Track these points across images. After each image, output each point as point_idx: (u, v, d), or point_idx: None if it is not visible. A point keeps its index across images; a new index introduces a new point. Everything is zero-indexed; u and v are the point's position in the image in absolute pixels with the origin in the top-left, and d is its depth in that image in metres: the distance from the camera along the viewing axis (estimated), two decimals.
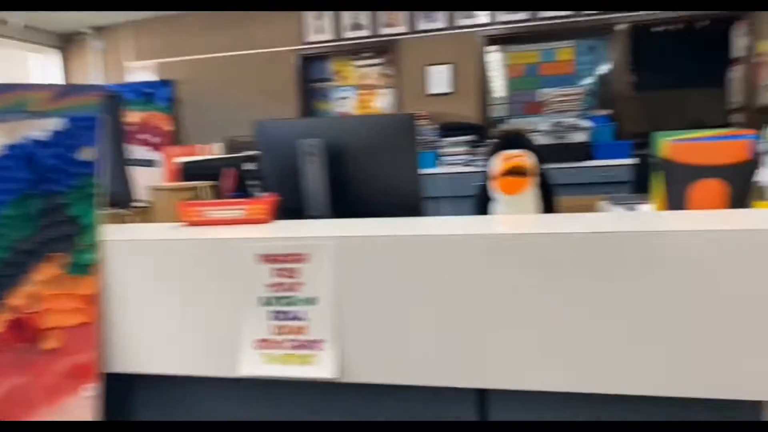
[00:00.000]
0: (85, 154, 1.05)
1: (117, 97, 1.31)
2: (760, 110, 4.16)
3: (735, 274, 0.76)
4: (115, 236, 1.04)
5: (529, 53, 4.82)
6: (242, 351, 0.96)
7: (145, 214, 1.65)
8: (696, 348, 0.78)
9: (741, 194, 1.41)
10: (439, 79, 4.69)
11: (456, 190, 3.85)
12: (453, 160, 4.40)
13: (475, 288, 0.85)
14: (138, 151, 4.80)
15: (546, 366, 0.84)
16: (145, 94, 5.13)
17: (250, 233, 1.00)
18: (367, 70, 5.03)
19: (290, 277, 0.94)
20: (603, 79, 4.75)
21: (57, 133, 1.06)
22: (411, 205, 1.26)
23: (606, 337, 0.81)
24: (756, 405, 0.80)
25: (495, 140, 1.55)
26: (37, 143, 1.07)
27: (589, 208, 2.28)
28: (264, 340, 0.95)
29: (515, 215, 1.36)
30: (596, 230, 0.82)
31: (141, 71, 5.28)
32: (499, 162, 1.41)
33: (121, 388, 1.12)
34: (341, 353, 0.91)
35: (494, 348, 0.86)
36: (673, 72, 5.56)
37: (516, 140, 1.48)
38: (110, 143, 1.29)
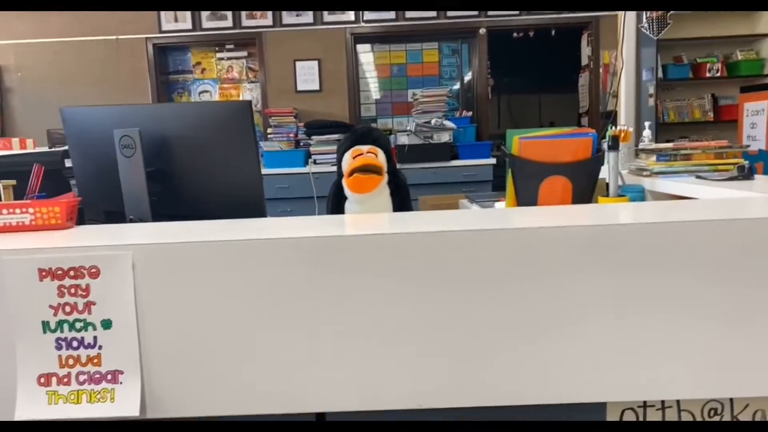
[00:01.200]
0: None
1: None
2: (604, 115, 4.55)
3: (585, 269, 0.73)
4: None
5: (396, 53, 4.85)
6: (22, 390, 0.77)
7: None
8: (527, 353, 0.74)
9: (586, 190, 1.45)
10: (308, 75, 4.55)
11: (326, 189, 3.74)
12: (322, 159, 4.29)
13: (299, 298, 0.75)
14: None
15: (382, 383, 0.75)
16: None
17: (33, 243, 0.81)
18: (231, 63, 4.76)
19: (80, 296, 0.76)
20: (466, 82, 4.92)
21: None
22: (251, 204, 1.12)
23: (445, 347, 0.75)
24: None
25: (347, 136, 1.46)
26: None
27: (452, 206, 2.30)
28: (50, 375, 0.77)
29: (366, 214, 1.28)
30: (426, 230, 0.75)
31: None
32: (349, 159, 1.32)
33: None
34: (145, 385, 0.76)
35: (332, 366, 0.75)
36: (529, 76, 5.93)
37: (367, 136, 1.40)
38: None
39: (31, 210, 0.93)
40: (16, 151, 2.11)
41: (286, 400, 0.77)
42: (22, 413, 0.76)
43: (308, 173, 4.06)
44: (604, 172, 1.50)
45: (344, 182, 1.35)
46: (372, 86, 4.93)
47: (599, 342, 0.74)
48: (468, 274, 0.73)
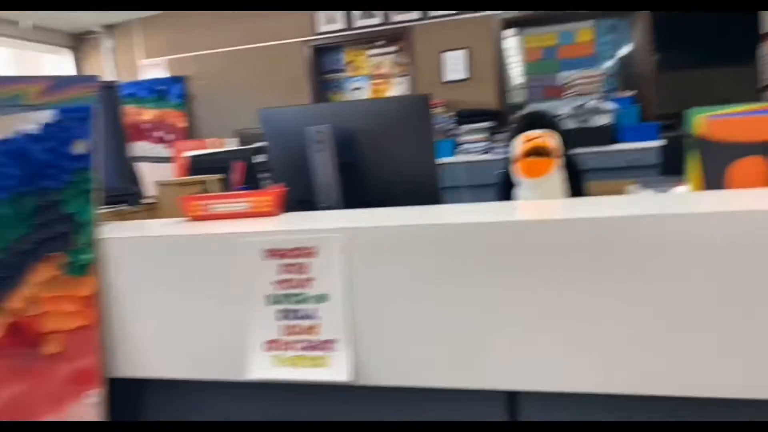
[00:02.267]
0: (79, 147, 0.99)
1: (114, 89, 1.26)
2: None
3: None
4: (114, 234, 0.98)
5: (547, 36, 4.67)
6: (251, 353, 0.90)
7: (152, 211, 1.60)
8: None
9: None
10: (455, 65, 4.57)
11: (475, 178, 3.75)
12: (471, 148, 4.30)
13: (500, 281, 0.77)
14: (153, 149, 4.78)
15: (578, 366, 0.76)
16: (158, 91, 5.11)
17: (254, 227, 0.93)
18: (381, 59, 4.94)
19: (299, 273, 0.87)
20: (625, 60, 4.59)
21: (49, 126, 1.00)
22: (428, 193, 1.18)
23: (645, 334, 0.73)
24: None
25: (516, 122, 1.46)
26: (29, 137, 1.01)
27: (618, 193, 2.17)
28: (274, 342, 0.89)
29: (540, 200, 1.27)
30: (634, 214, 0.73)
31: (153, 68, 5.26)
32: (520, 143, 1.32)
33: (128, 394, 1.07)
34: (355, 354, 0.84)
35: (524, 346, 0.78)
36: (698, 50, 5.36)
37: (538, 120, 1.39)
38: (109, 136, 1.23)
39: (248, 199, 1.07)
40: (214, 150, 2.42)
41: (478, 376, 0.81)
42: (252, 374, 0.89)
43: (456, 163, 4.08)
44: None
45: (515, 168, 1.35)
46: (521, 71, 4.81)
47: None
48: (666, 262, 0.71)
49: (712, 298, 0.70)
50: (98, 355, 0.95)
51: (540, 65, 4.71)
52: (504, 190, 1.46)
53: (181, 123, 5.08)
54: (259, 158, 1.95)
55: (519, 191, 1.36)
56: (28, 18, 4.66)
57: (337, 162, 1.22)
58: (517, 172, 1.34)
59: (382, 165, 1.23)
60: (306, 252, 0.85)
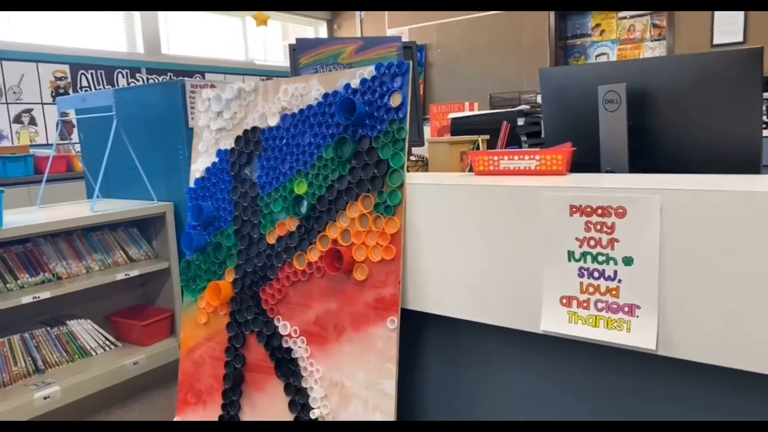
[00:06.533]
0: (395, 100, 1.09)
1: (413, 49, 1.35)
2: None
3: None
4: (418, 180, 1.07)
5: None
6: (546, 306, 0.91)
7: (421, 167, 1.71)
8: None
9: None
10: (729, 26, 3.95)
11: None
12: None
13: None
14: None
15: None
16: None
17: (565, 182, 0.93)
18: (632, 21, 4.50)
19: (605, 232, 0.85)
20: None
21: (365, 81, 1.13)
22: (745, 163, 1.04)
23: None
24: None
25: None
26: (350, 91, 1.15)
27: None
28: (571, 298, 0.89)
29: None
30: None
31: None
32: None
33: (416, 325, 1.18)
34: (657, 322, 0.80)
35: None
36: None
37: None
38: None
39: (537, 157, 1.08)
40: (476, 112, 2.50)
41: None
42: (547, 326, 0.91)
43: None
44: None
45: None
46: None
47: None
48: None
49: None
50: (398, 287, 1.07)
51: None
52: None
53: (419, 90, 5.31)
54: (520, 122, 1.95)
55: None
56: None
57: (629, 124, 1.15)
58: None
59: (687, 128, 1.13)
60: (615, 211, 0.83)
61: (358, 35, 5.82)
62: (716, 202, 0.75)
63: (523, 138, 1.91)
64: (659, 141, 1.16)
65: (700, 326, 0.77)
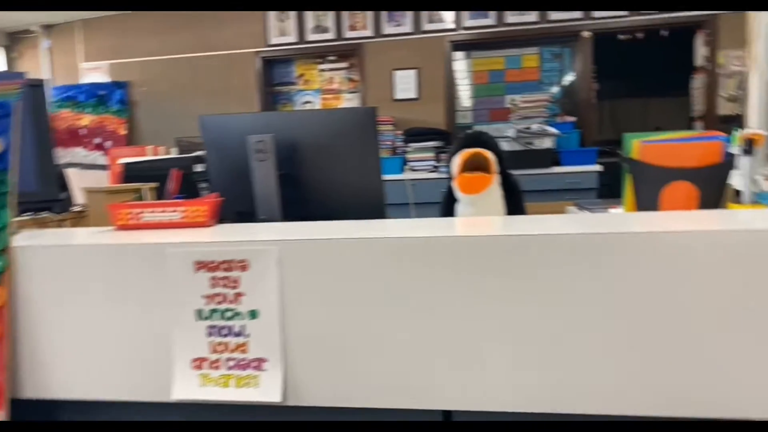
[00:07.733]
0: None
1: (41, 88, 1.18)
2: (720, 119, 4.23)
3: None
4: (29, 242, 0.91)
5: (495, 59, 4.80)
6: (178, 372, 0.84)
7: (80, 219, 1.51)
8: (673, 364, 0.71)
9: (713, 197, 1.36)
10: (405, 84, 4.63)
11: (422, 196, 3.79)
12: (419, 166, 4.34)
13: (435, 296, 0.76)
14: (90, 156, 4.57)
15: (519, 385, 0.75)
16: (98, 96, 4.90)
17: (185, 237, 0.88)
18: (332, 74, 4.93)
19: (230, 287, 0.82)
20: (567, 87, 4.77)
21: None
22: (373, 208, 1.16)
23: (584, 351, 0.73)
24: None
25: (456, 141, 1.47)
26: None
27: (558, 213, 2.23)
28: (202, 360, 0.84)
29: (478, 216, 1.28)
30: (567, 232, 0.74)
31: (94, 72, 5.05)
32: (459, 160, 1.33)
33: (39, 416, 0.99)
34: (285, 374, 0.80)
35: (461, 364, 0.76)
36: (636, 80, 5.63)
37: (477, 139, 1.40)
38: (33, 138, 1.15)
39: (181, 209, 1.02)
40: (152, 157, 2.33)
41: (414, 395, 0.79)
42: (179, 394, 0.84)
43: (405, 180, 4.11)
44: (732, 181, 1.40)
45: (454, 184, 1.36)
46: (468, 93, 4.91)
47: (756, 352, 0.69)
48: (600, 279, 0.72)
49: (644, 314, 0.71)
50: (5, 374, 0.87)
51: (487, 88, 4.82)
52: (447, 206, 1.46)
53: (121, 130, 4.88)
54: (199, 168, 1.88)
55: (459, 207, 1.37)
56: None
57: (279, 173, 1.18)
58: (456, 188, 1.35)
59: (326, 178, 1.21)
60: (238, 264, 0.82)
61: (43, 67, 5.10)
62: (331, 250, 0.79)
63: (202, 185, 1.84)
64: (308, 190, 1.22)
65: (326, 372, 0.79)
